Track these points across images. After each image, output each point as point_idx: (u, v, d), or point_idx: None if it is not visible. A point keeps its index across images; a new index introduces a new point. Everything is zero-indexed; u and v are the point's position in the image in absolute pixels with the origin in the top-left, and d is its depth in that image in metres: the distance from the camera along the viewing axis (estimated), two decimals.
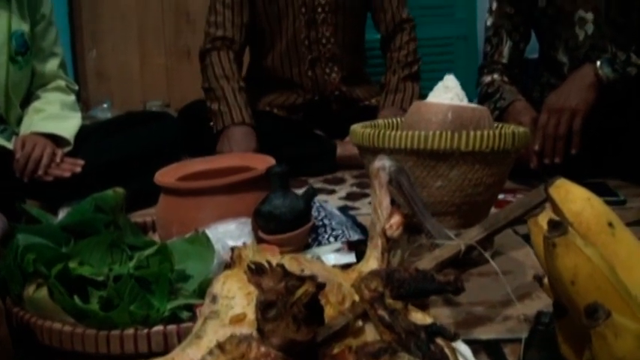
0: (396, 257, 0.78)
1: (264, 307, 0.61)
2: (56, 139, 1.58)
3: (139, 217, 1.40)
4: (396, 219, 0.78)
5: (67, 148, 1.60)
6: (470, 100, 1.49)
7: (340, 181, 1.78)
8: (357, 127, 1.15)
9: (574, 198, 0.73)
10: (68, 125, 1.64)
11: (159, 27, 2.92)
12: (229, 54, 1.92)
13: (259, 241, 1.08)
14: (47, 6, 1.71)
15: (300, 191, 1.62)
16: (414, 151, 1.04)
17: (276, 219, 1.06)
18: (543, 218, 0.69)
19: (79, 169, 1.52)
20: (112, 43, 2.92)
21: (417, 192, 0.87)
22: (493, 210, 1.19)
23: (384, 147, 1.06)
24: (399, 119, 1.30)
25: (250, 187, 1.12)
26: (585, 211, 0.72)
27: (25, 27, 1.61)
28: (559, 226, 0.60)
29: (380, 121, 1.29)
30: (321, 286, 0.62)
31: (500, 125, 1.24)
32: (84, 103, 2.77)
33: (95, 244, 0.97)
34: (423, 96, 1.94)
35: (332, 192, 1.67)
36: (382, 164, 0.86)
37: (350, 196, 1.61)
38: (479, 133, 1.03)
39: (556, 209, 0.74)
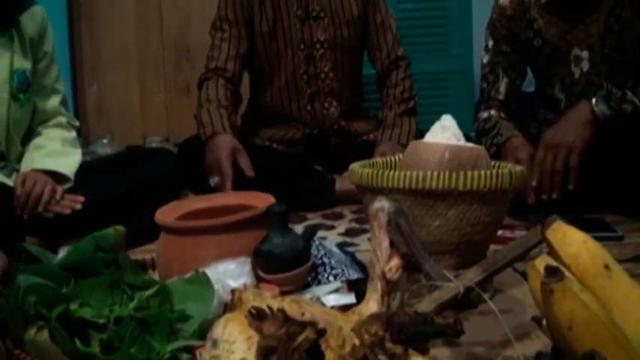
0: (395, 300, 0.79)
1: (265, 353, 0.61)
2: (57, 176, 1.59)
3: (139, 253, 1.41)
4: (396, 262, 0.79)
5: (68, 185, 1.60)
6: (467, 135, 1.50)
7: (339, 217, 1.78)
8: (355, 167, 1.17)
9: (571, 241, 0.74)
10: (68, 162, 1.65)
11: (159, 63, 2.95)
12: (219, 81, 1.96)
13: (259, 280, 1.08)
14: (50, 44, 1.72)
15: (299, 227, 1.64)
16: (413, 191, 1.05)
17: (276, 258, 1.07)
18: (541, 262, 0.69)
19: (79, 206, 1.53)
20: (113, 79, 2.95)
21: (416, 233, 0.88)
22: (492, 247, 1.20)
23: (382, 187, 1.07)
24: (397, 157, 1.31)
25: (250, 226, 1.13)
26: (582, 253, 0.73)
27: (27, 65, 1.63)
28: (556, 272, 0.61)
29: (378, 160, 1.30)
30: (321, 332, 0.63)
31: (497, 164, 1.25)
32: (84, 137, 2.78)
33: (96, 285, 0.98)
34: (420, 130, 1.99)
35: (331, 227, 1.67)
36: (381, 205, 0.87)
37: (349, 232, 1.61)
38: (476, 173, 1.04)
39: (553, 252, 0.75)
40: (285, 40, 2.00)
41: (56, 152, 1.65)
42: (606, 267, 0.72)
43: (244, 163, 1.73)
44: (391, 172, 1.07)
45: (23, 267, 1.06)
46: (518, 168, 1.14)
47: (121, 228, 1.22)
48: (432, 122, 1.26)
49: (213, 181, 1.69)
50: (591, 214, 1.59)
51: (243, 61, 2.01)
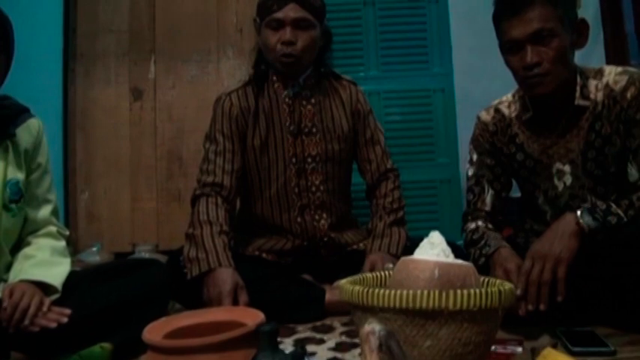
0: None
1: None
2: (44, 286, 1.57)
3: None
4: None
5: (55, 296, 1.58)
6: (454, 243, 1.51)
7: (329, 329, 1.75)
8: (346, 284, 1.16)
9: None
10: (57, 272, 1.64)
11: (151, 171, 3.00)
12: (217, 199, 1.93)
13: None
14: (44, 155, 1.75)
15: (288, 340, 1.62)
16: (403, 310, 1.05)
17: None
18: None
19: (65, 320, 1.50)
20: (105, 186, 2.99)
21: (407, 356, 0.87)
22: None
23: (373, 305, 1.07)
24: (387, 273, 1.32)
25: (239, 345, 1.11)
26: None
27: (20, 176, 1.65)
28: None
29: (368, 275, 1.31)
30: None
31: (486, 281, 1.26)
32: (74, 243, 2.78)
33: None
34: (410, 238, 2.00)
35: (321, 341, 1.64)
36: (372, 329, 0.87)
37: (339, 347, 1.58)
38: (466, 292, 1.05)
39: None
40: (276, 153, 2.04)
41: (45, 262, 1.64)
42: None
43: (243, 300, 1.70)
44: (381, 291, 1.07)
45: None
46: (507, 286, 1.14)
47: (107, 345, 1.21)
48: (421, 229, 1.27)
49: None
50: (582, 327, 1.58)
51: (238, 176, 2.02)
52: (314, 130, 2.05)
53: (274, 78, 2.07)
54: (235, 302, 1.69)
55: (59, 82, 3.01)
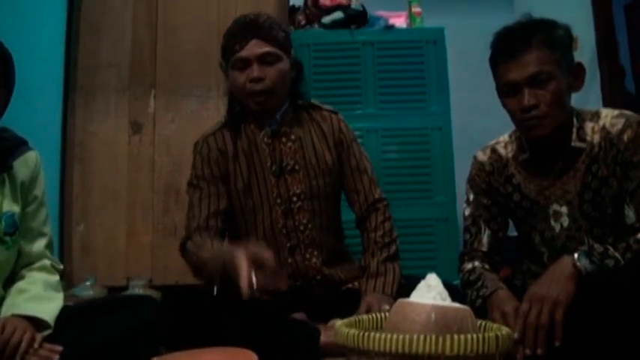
0: None
1: None
2: (37, 321, 1.56)
3: None
4: None
5: (47, 332, 1.57)
6: (450, 283, 1.49)
7: None
8: (342, 327, 1.15)
9: None
10: (49, 307, 1.63)
11: (148, 204, 2.99)
12: (203, 234, 1.90)
13: None
14: (40, 188, 1.74)
15: None
16: (399, 355, 1.04)
17: None
18: None
19: (56, 357, 1.49)
20: (101, 219, 2.98)
21: None
22: None
23: (368, 349, 1.06)
24: (383, 314, 1.31)
25: None
26: None
27: (16, 208, 1.65)
28: None
29: (364, 317, 1.30)
30: None
31: (483, 325, 1.25)
32: (68, 276, 2.76)
33: None
34: (405, 276, 1.98)
35: None
36: None
37: None
38: (462, 337, 1.04)
39: None
40: (260, 196, 1.99)
41: (38, 297, 1.63)
42: None
43: (268, 255, 1.61)
44: (377, 335, 1.06)
45: None
46: (505, 331, 1.13)
47: None
48: (418, 267, 1.27)
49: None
50: None
51: (224, 218, 1.97)
52: (296, 167, 1.99)
53: (250, 118, 2.02)
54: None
55: (59, 115, 3.02)
